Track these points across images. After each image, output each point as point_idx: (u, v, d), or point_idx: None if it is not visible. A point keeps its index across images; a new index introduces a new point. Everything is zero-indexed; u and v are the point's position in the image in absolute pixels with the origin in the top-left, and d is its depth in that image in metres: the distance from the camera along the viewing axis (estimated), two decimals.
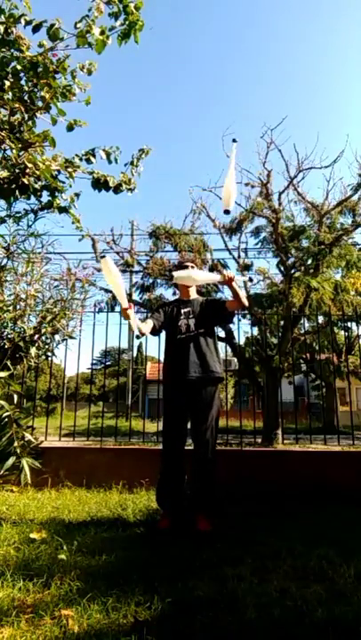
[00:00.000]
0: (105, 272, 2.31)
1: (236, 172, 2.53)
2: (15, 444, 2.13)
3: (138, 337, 2.54)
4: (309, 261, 8.99)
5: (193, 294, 2.75)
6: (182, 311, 2.62)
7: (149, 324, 2.55)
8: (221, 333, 9.36)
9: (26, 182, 2.50)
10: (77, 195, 2.83)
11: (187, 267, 2.75)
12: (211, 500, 2.40)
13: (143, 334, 2.51)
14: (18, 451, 2.13)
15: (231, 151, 2.53)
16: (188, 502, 2.44)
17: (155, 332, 2.62)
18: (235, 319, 3.04)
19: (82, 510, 2.64)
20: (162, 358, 2.81)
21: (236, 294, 2.50)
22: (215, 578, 1.68)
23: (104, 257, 2.29)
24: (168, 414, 2.53)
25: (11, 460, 2.10)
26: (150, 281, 10.72)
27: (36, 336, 2.87)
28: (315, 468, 3.23)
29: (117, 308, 10.35)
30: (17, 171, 2.47)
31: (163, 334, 2.75)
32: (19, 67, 2.28)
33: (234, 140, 2.54)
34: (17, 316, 2.81)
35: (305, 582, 1.66)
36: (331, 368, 12.78)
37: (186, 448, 2.55)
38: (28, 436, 2.23)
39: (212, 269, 10.80)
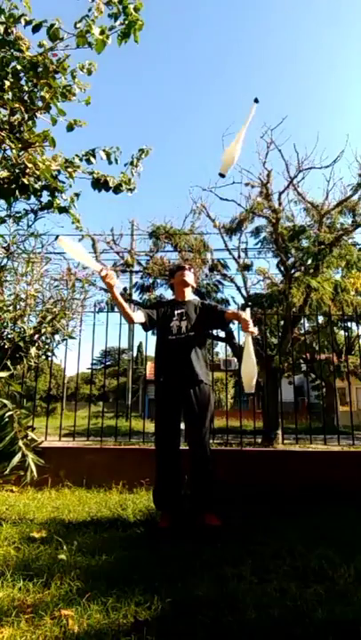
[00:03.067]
0: (66, 249, 2.27)
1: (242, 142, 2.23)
2: (20, 442, 2.12)
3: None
4: (309, 261, 8.99)
5: (188, 295, 2.74)
6: (175, 312, 2.60)
7: (140, 315, 2.55)
8: (222, 333, 9.34)
9: (26, 182, 2.50)
10: (77, 195, 2.83)
11: (184, 268, 2.78)
12: (213, 497, 2.41)
13: (132, 321, 2.53)
14: (23, 449, 2.13)
15: (250, 113, 2.19)
16: (191, 503, 2.44)
17: (145, 326, 2.61)
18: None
19: (82, 510, 2.64)
20: None
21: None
22: (215, 578, 1.67)
23: (58, 237, 2.28)
24: (160, 415, 2.52)
25: (16, 459, 2.10)
26: (150, 281, 10.72)
27: (36, 336, 2.87)
28: (315, 467, 3.22)
29: (117, 308, 10.43)
30: (17, 171, 2.47)
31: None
32: (19, 67, 2.29)
33: (256, 101, 2.18)
34: (17, 316, 2.81)
35: (305, 582, 1.66)
36: (331, 368, 12.78)
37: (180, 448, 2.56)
38: (31, 435, 2.23)
39: (212, 269, 10.81)
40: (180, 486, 2.48)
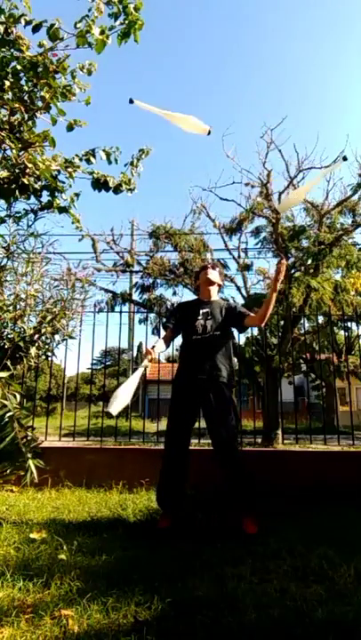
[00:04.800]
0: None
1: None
2: (20, 444, 2.13)
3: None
4: (309, 261, 8.99)
5: (214, 294, 2.71)
6: (201, 311, 2.58)
7: (166, 339, 2.62)
8: None
9: (26, 182, 2.50)
10: (77, 195, 2.83)
11: (207, 267, 2.76)
12: (250, 501, 2.37)
13: (168, 346, 2.65)
14: (23, 450, 2.13)
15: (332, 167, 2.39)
16: (235, 504, 2.40)
17: (170, 340, 2.70)
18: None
19: (82, 510, 2.64)
20: (162, 358, 2.81)
21: (270, 299, 2.49)
22: (215, 578, 1.67)
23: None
24: (174, 414, 2.50)
25: (16, 460, 2.10)
26: (150, 281, 10.73)
27: (36, 336, 2.87)
28: (315, 467, 3.22)
29: (117, 308, 10.39)
30: (17, 171, 2.47)
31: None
32: (19, 67, 2.29)
33: (345, 159, 2.41)
34: (17, 316, 2.81)
35: (305, 582, 1.66)
36: (331, 368, 12.78)
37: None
38: (31, 435, 2.23)
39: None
40: (184, 486, 2.47)
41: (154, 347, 2.46)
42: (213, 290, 2.70)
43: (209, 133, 2.20)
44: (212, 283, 2.68)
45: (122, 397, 2.08)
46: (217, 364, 2.46)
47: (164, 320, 2.74)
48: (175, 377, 2.60)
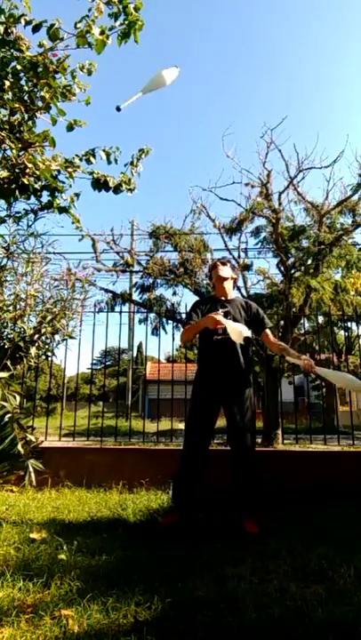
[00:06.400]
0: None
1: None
2: (19, 445, 2.12)
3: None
4: (309, 261, 8.98)
5: (230, 291, 2.69)
6: (221, 311, 2.55)
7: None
8: None
9: (26, 182, 2.50)
10: (77, 195, 2.83)
11: (217, 264, 2.74)
12: (257, 502, 2.40)
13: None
14: (22, 452, 2.13)
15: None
16: (239, 504, 2.42)
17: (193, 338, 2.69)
18: None
19: (82, 510, 2.64)
20: (162, 358, 2.80)
21: (290, 355, 2.56)
22: (215, 578, 1.68)
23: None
24: (197, 415, 2.49)
25: (16, 462, 2.10)
26: (150, 281, 10.72)
27: (36, 336, 2.87)
28: (315, 467, 3.22)
29: (117, 308, 10.40)
30: (17, 171, 2.47)
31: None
32: (19, 67, 2.28)
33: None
34: (17, 316, 2.81)
35: (305, 582, 1.66)
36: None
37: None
38: (30, 437, 2.23)
39: (212, 269, 10.78)
40: (197, 487, 2.47)
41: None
42: (228, 285, 2.68)
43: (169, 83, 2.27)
44: (224, 278, 2.65)
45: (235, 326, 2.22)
46: (238, 365, 2.47)
47: (185, 318, 2.68)
48: (196, 377, 2.58)
